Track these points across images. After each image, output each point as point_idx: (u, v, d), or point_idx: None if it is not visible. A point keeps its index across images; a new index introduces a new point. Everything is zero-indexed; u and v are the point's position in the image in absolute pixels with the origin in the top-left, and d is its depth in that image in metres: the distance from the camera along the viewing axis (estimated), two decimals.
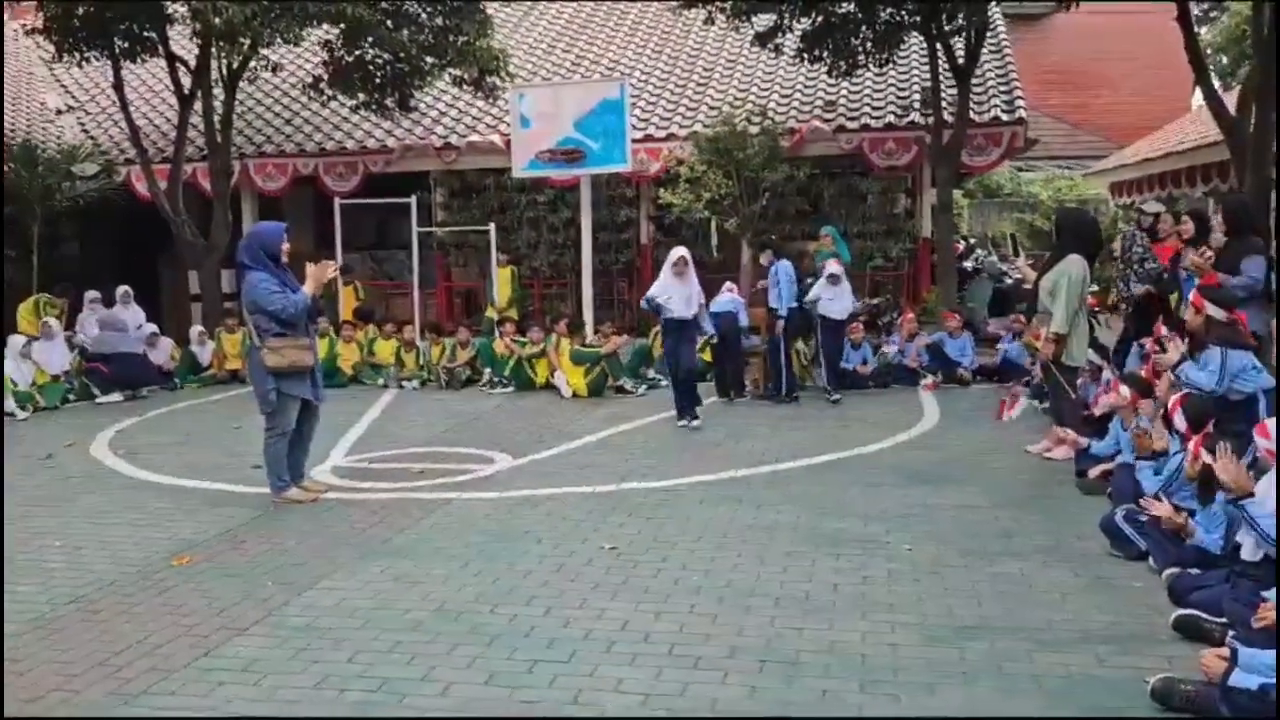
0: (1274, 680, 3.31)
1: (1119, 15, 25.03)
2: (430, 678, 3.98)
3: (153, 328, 12.73)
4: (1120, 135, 26.42)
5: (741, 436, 8.62)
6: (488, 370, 12.05)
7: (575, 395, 11.02)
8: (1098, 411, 6.93)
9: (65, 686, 3.95)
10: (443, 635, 4.39)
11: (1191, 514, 5.01)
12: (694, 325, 9.17)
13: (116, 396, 11.34)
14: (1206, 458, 4.57)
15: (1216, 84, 12.66)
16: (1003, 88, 14.05)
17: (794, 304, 10.12)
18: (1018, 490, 6.62)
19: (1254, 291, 6.45)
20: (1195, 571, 4.58)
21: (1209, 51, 35.79)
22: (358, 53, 13.53)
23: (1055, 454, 7.39)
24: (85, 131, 16.55)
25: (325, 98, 14.22)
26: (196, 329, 13.07)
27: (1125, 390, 6.27)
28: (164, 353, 12.53)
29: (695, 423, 8.89)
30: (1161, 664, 3.88)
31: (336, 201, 14.17)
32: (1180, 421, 5.30)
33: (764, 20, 12.90)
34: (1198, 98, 30.05)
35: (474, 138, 14.67)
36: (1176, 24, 11.16)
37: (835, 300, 10.17)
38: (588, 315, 12.72)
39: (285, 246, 6.77)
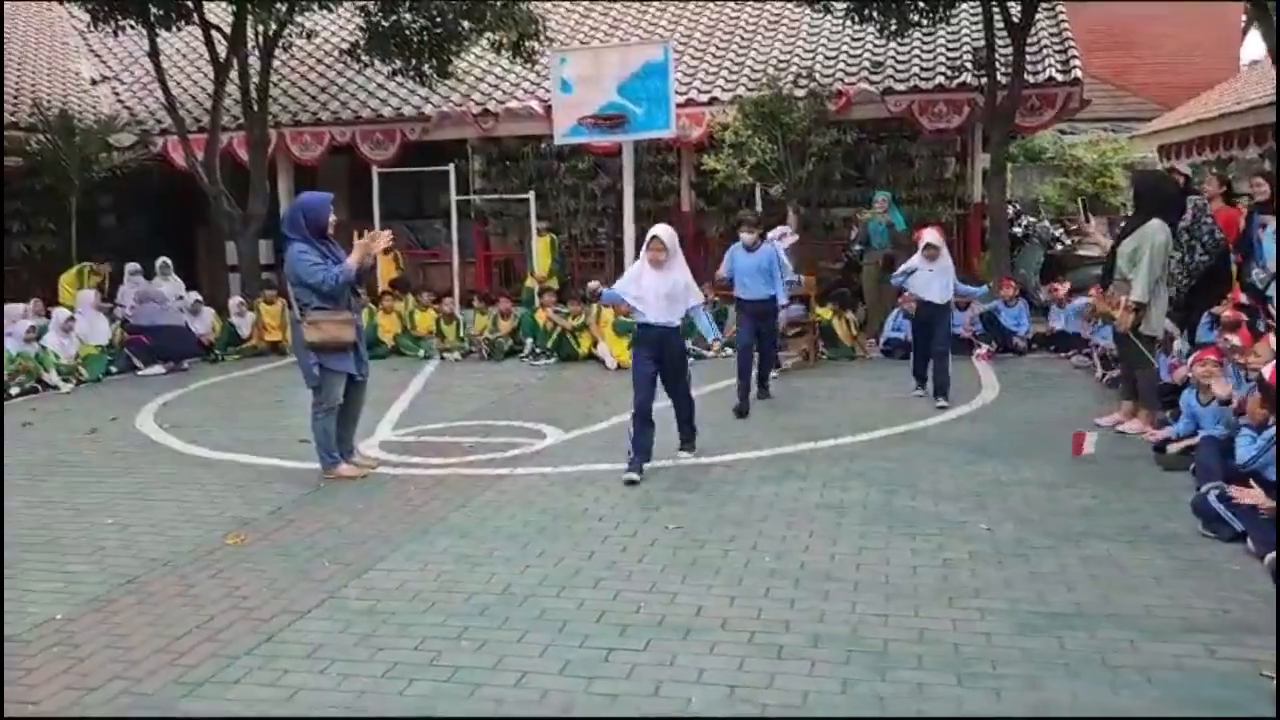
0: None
1: None
2: (502, 666, 3.81)
3: (195, 296, 12.66)
4: (1165, 97, 25.75)
5: (793, 409, 8.39)
6: (529, 341, 11.88)
7: (620, 367, 10.81)
8: (1177, 379, 6.61)
9: (126, 674, 3.82)
10: (511, 620, 4.23)
11: None
12: (675, 336, 6.61)
13: (159, 369, 11.27)
14: None
15: None
16: (1057, 47, 13.58)
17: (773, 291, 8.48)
18: (1092, 465, 6.36)
19: None
20: None
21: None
22: (394, 17, 13.26)
23: (1128, 427, 7.12)
24: (120, 101, 16.40)
25: (362, 64, 13.96)
26: (236, 300, 12.96)
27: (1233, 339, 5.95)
28: (206, 323, 12.44)
29: (632, 475, 6.21)
30: (1274, 655, 3.65)
31: (374, 170, 13.99)
32: None
33: None
34: (1245, 56, 29.15)
35: (512, 104, 14.39)
36: None
37: (935, 277, 8.32)
38: None
39: (332, 219, 6.59)
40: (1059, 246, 15.54)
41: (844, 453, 6.90)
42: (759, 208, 13.03)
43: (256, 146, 13.54)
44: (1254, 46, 33.62)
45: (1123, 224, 6.98)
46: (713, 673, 3.71)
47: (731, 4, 16.75)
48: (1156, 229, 6.54)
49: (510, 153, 15.12)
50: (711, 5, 16.84)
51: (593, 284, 7.50)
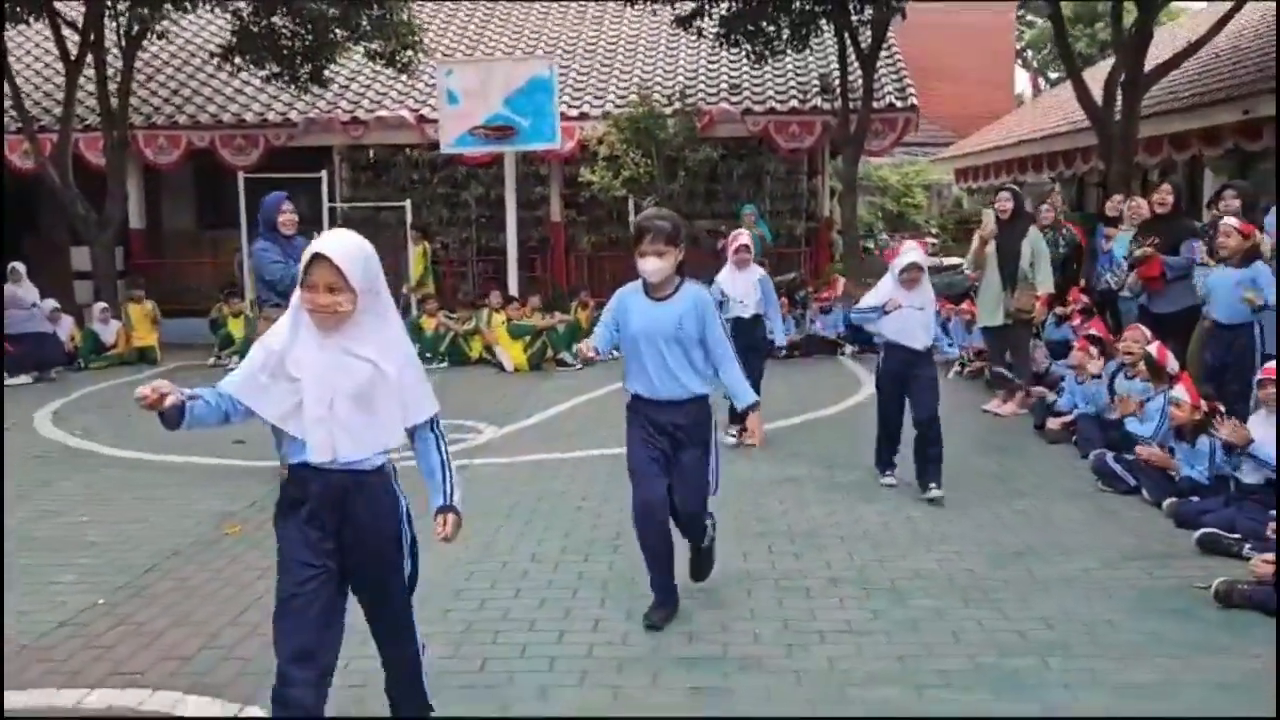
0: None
1: (952, 14, 26.74)
2: (573, 617, 4.22)
3: (53, 303, 12.05)
4: (957, 124, 28.41)
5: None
6: (415, 348, 12.05)
7: (517, 370, 11.19)
8: (1072, 364, 7.55)
9: (196, 634, 3.99)
10: (555, 582, 4.62)
11: (1171, 451, 5.79)
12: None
13: (25, 378, 10.75)
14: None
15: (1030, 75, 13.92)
16: (894, 76, 14.97)
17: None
18: (990, 441, 7.33)
19: (1187, 272, 7.28)
20: (1195, 499, 5.32)
21: (1028, 51, 38.70)
22: (265, 21, 13.11)
23: (1004, 410, 8.18)
24: None
25: (236, 68, 13.69)
26: (99, 306, 12.46)
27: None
28: (65, 331, 11.91)
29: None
30: (1199, 574, 4.54)
31: (240, 176, 13.73)
32: (1173, 364, 6.08)
33: (685, 5, 13.29)
34: (1018, 89, 32.15)
35: (382, 112, 14.47)
36: (1009, 22, 12.30)
37: (917, 313, 5.92)
38: (514, 291, 12.83)
39: (284, 217, 6.73)
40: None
41: (772, 437, 7.58)
42: (631, 221, 13.68)
43: (115, 147, 13.05)
44: (1022, 82, 37.68)
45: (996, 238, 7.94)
46: (762, 609, 4.27)
47: (589, 24, 17.41)
48: (1038, 236, 7.68)
49: (380, 161, 15.16)
50: (569, 25, 17.44)
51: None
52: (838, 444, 7.30)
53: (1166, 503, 5.44)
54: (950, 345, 9.49)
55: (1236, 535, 4.79)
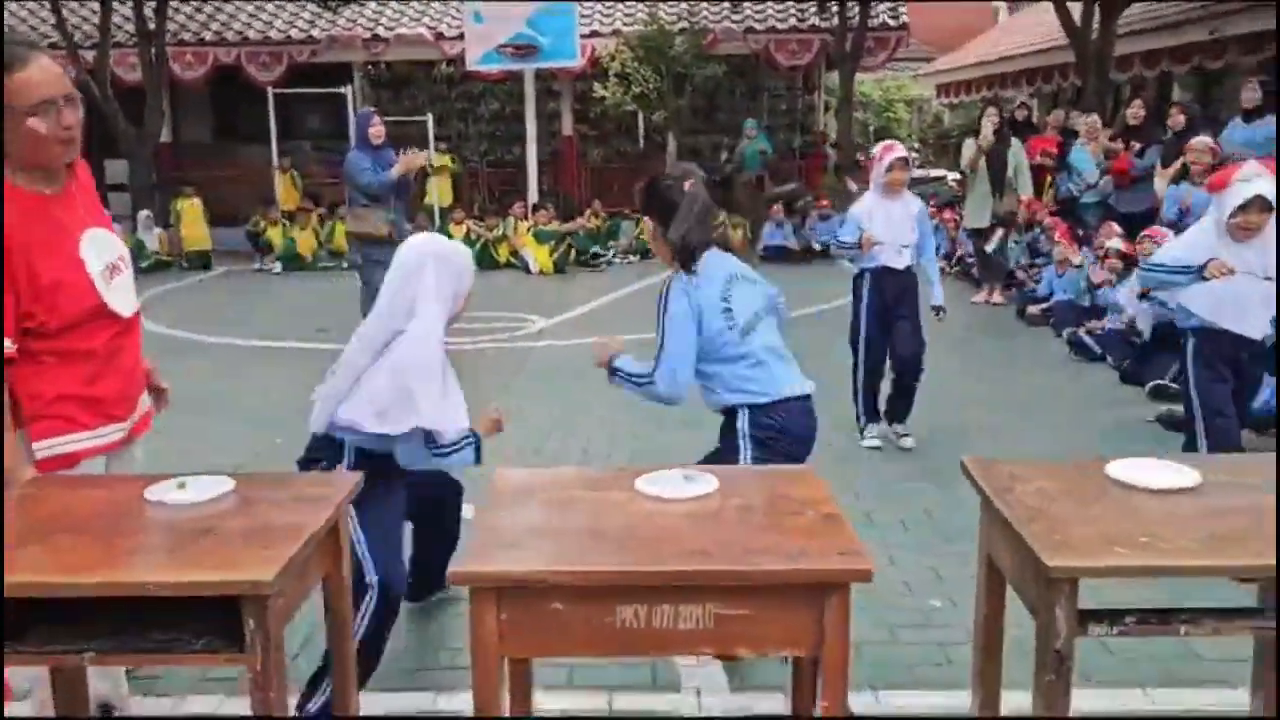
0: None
1: None
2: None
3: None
4: (938, 40, 29.11)
5: None
6: None
7: (542, 272, 12.23)
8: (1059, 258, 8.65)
9: None
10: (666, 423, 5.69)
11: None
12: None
13: None
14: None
15: None
16: None
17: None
18: (980, 326, 8.52)
19: (1148, 174, 8.42)
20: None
21: None
22: None
23: (990, 298, 9.38)
24: None
25: None
26: (144, 214, 13.31)
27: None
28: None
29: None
30: (1152, 412, 5.77)
31: (270, 91, 14.47)
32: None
33: None
34: (1001, 13, 32.90)
35: (401, 30, 15.18)
36: None
37: (902, 224, 5.16)
38: (533, 201, 13.81)
39: (374, 130, 7.68)
40: None
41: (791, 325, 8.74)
42: (641, 134, 14.64)
43: (153, 64, 13.74)
44: None
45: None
46: None
47: None
48: (1019, 148, 8.83)
49: (400, 78, 15.90)
50: None
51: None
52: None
53: (1125, 363, 6.66)
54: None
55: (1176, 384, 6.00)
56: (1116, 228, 7.64)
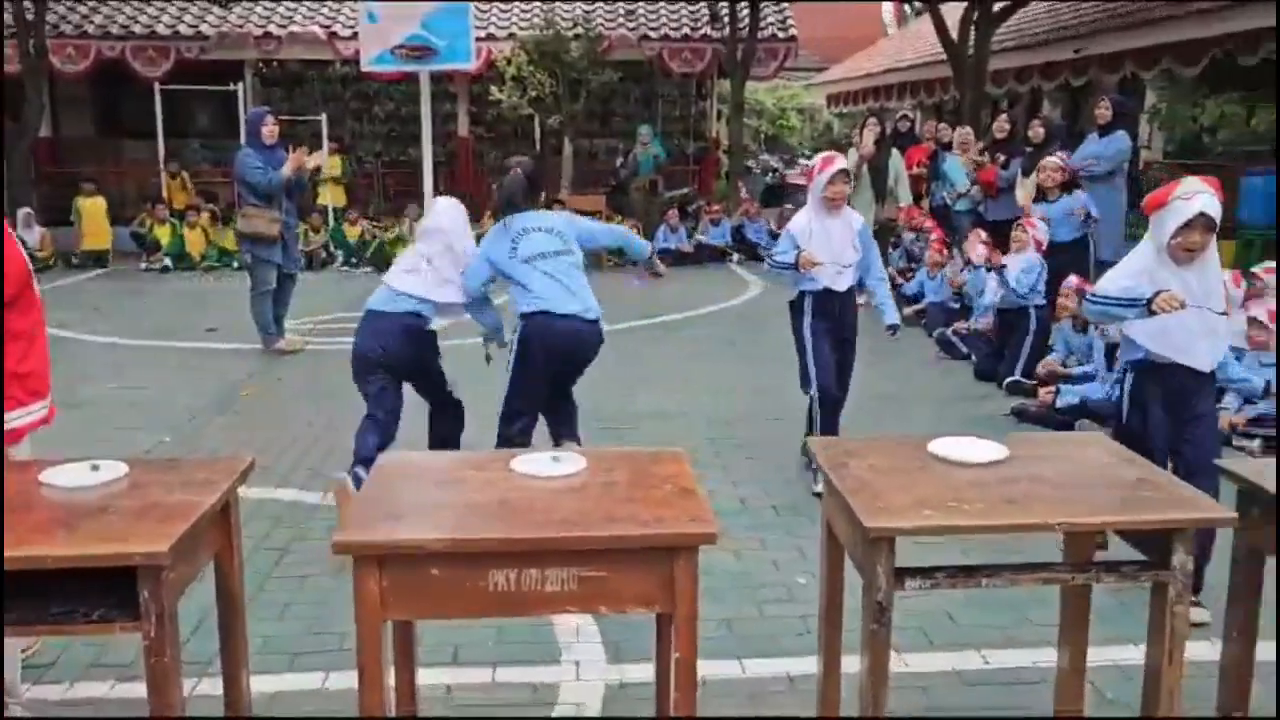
0: (1080, 399, 5.67)
1: None
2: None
3: None
4: (829, 51, 29.97)
5: (616, 301, 10.43)
6: (340, 253, 13.07)
7: None
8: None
9: (266, 451, 5.19)
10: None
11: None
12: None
13: None
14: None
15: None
16: (776, 10, 16.29)
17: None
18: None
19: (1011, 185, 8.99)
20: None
21: None
22: None
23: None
24: None
25: None
26: (24, 211, 12.90)
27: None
28: None
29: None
30: (1007, 406, 6.23)
31: (157, 87, 14.18)
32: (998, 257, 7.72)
33: None
34: (886, 18, 33.92)
35: (294, 28, 15.03)
36: None
37: (844, 239, 4.86)
38: (429, 204, 13.83)
39: (266, 129, 7.70)
40: (771, 177, 18.60)
41: (677, 325, 9.05)
42: (537, 138, 14.80)
43: (31, 55, 13.33)
44: (889, 12, 39.77)
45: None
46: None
47: None
48: (899, 158, 9.28)
49: (293, 76, 15.73)
50: None
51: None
52: (728, 329, 8.83)
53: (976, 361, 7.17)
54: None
55: (1034, 381, 6.48)
56: (982, 234, 8.13)
